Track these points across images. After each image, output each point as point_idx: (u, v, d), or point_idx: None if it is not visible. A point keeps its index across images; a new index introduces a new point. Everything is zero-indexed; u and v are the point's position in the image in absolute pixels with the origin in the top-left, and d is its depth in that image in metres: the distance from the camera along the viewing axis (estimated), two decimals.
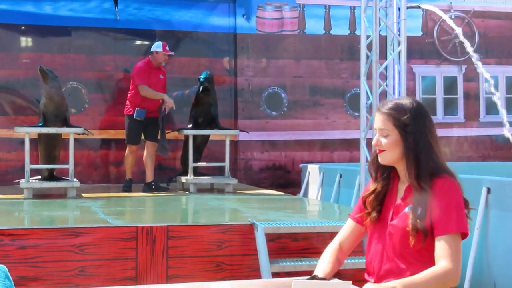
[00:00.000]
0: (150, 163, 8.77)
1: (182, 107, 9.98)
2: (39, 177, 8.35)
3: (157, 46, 8.73)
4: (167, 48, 8.75)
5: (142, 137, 8.78)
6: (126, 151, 8.86)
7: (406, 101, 2.80)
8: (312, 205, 8.03)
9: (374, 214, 2.83)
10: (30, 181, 7.93)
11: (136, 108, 8.58)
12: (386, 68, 7.00)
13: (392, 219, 2.78)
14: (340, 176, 8.77)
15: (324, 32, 10.81)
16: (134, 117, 8.59)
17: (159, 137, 8.66)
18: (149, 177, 8.78)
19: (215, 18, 10.37)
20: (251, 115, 10.42)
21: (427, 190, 2.68)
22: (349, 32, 10.89)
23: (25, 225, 5.87)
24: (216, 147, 9.61)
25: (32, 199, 7.68)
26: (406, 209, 2.74)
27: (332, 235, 5.24)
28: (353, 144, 10.35)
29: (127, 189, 8.71)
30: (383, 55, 7.04)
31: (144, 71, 8.63)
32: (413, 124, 2.73)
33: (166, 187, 8.78)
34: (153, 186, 8.70)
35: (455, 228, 2.63)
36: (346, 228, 2.99)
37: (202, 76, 9.02)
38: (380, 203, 2.83)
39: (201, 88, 9.02)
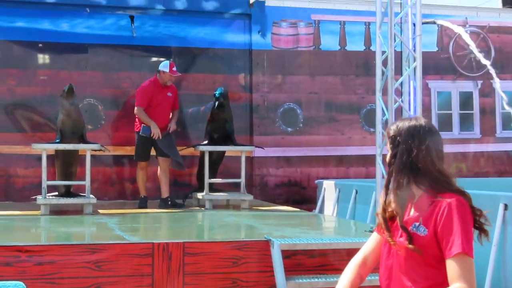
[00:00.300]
0: (164, 179, 8.80)
1: (198, 123, 10.02)
2: (56, 193, 8.40)
3: (164, 66, 8.79)
4: (174, 69, 8.80)
5: (153, 153, 8.82)
6: (137, 168, 8.93)
7: (401, 122, 2.83)
8: (328, 222, 8.01)
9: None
10: (47, 197, 7.97)
11: (142, 125, 8.67)
12: (401, 84, 6.99)
13: (400, 236, 2.77)
14: (356, 192, 8.75)
15: (339, 48, 10.83)
16: (140, 133, 8.69)
17: (171, 151, 8.70)
18: (165, 192, 8.80)
19: (231, 34, 10.42)
20: (267, 131, 10.43)
21: (423, 208, 2.69)
22: (364, 48, 10.90)
23: (42, 242, 5.90)
24: (231, 163, 9.62)
25: (49, 215, 7.72)
26: (412, 227, 2.73)
27: (348, 251, 5.26)
28: (369, 160, 10.32)
29: (143, 206, 8.74)
30: (399, 71, 7.02)
31: (146, 93, 8.70)
32: (402, 143, 2.75)
33: (182, 203, 8.79)
34: (169, 202, 8.72)
35: (462, 249, 2.60)
36: (371, 242, 2.96)
37: (217, 92, 9.06)
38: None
39: (216, 104, 9.05)
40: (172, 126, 8.80)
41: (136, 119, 8.83)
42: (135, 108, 8.73)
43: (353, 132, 10.79)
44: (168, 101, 8.87)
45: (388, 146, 2.83)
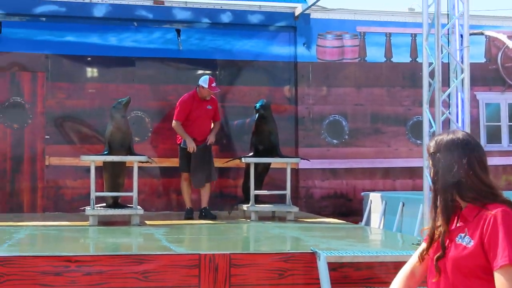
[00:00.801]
0: (204, 190, 8.89)
1: (243, 135, 10.07)
2: (104, 204, 8.52)
3: (204, 81, 8.87)
4: (213, 84, 8.87)
5: None
6: (181, 180, 9.02)
7: (439, 138, 2.80)
8: (375, 234, 7.95)
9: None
10: (96, 208, 8.09)
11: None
12: (449, 95, 6.92)
13: (447, 246, 2.74)
14: (403, 205, 8.66)
15: (385, 59, 10.77)
16: (181, 146, 8.83)
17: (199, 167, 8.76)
18: (203, 203, 8.88)
19: (276, 47, 10.46)
20: (312, 143, 10.41)
21: (468, 219, 2.66)
22: (411, 59, 10.82)
23: (91, 252, 5.99)
24: (277, 175, 9.63)
25: (97, 226, 7.83)
26: (457, 238, 2.70)
27: (396, 264, 5.20)
28: (415, 172, 10.21)
29: (189, 217, 8.81)
30: (446, 83, 6.95)
31: (184, 107, 8.83)
32: (442, 160, 2.73)
33: (214, 215, 8.81)
34: (203, 213, 8.78)
35: (510, 260, 2.56)
36: (419, 252, 2.94)
37: (257, 104, 9.11)
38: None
39: (256, 115, 9.10)
40: (211, 139, 8.84)
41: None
42: (173, 121, 8.87)
43: (400, 144, 10.69)
44: (208, 114, 8.95)
45: (430, 163, 2.81)
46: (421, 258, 2.82)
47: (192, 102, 8.87)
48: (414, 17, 10.72)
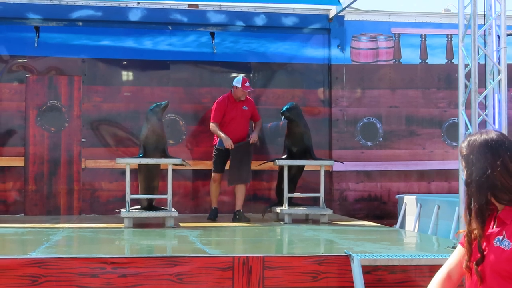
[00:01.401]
0: (239, 193, 8.93)
1: (277, 138, 10.07)
2: (139, 206, 8.59)
3: (237, 82, 8.96)
4: (246, 84, 8.94)
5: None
6: (211, 180, 9.06)
7: (472, 138, 2.74)
8: (409, 237, 7.88)
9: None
10: (131, 210, 8.17)
11: (219, 139, 8.85)
12: (485, 97, 6.83)
13: (484, 250, 2.69)
14: (438, 208, 8.58)
15: (420, 61, 10.68)
16: (217, 146, 8.88)
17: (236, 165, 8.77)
18: (237, 206, 8.91)
19: (310, 49, 10.44)
20: (346, 145, 10.37)
21: (506, 222, 2.61)
22: (446, 61, 10.72)
23: (126, 254, 6.05)
24: (310, 178, 9.61)
25: (132, 228, 7.90)
26: (495, 241, 2.65)
27: (431, 268, 5.16)
28: (451, 175, 10.12)
29: (212, 218, 8.86)
30: (482, 84, 6.86)
31: (219, 108, 8.91)
32: (476, 162, 2.66)
33: (247, 218, 8.83)
34: (237, 216, 8.80)
35: None
36: (456, 255, 2.85)
37: (284, 108, 9.11)
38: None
39: (282, 118, 9.11)
40: (253, 137, 8.89)
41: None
42: (210, 124, 8.95)
43: (435, 146, 10.59)
44: (244, 114, 8.98)
45: (463, 165, 2.75)
46: (466, 267, 2.73)
47: (227, 103, 8.93)
48: (450, 18, 10.61)
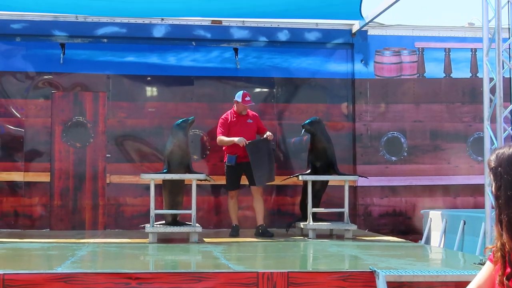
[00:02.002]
0: (258, 207, 8.92)
1: (301, 153, 10.06)
2: (163, 222, 8.62)
3: (238, 96, 9.04)
4: (246, 98, 8.99)
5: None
6: (228, 198, 9.06)
7: (500, 151, 2.71)
8: (435, 253, 7.81)
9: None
10: (155, 226, 8.20)
11: (227, 155, 8.91)
12: (510, 111, 6.78)
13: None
14: (464, 223, 8.50)
15: (445, 75, 10.63)
16: (226, 163, 8.89)
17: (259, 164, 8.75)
18: (258, 220, 8.90)
19: (333, 64, 10.45)
20: (370, 160, 10.33)
21: None
22: (471, 75, 10.66)
23: (151, 269, 6.07)
24: (335, 193, 9.59)
25: (157, 243, 7.92)
26: None
27: (457, 284, 5.11)
28: (477, 190, 10.03)
29: (234, 234, 8.85)
30: (507, 98, 6.82)
31: (223, 123, 8.99)
32: (504, 174, 2.63)
33: (271, 233, 8.81)
34: (260, 231, 8.79)
35: None
36: (484, 272, 2.82)
37: (306, 121, 9.11)
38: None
39: (303, 131, 9.11)
40: (269, 134, 8.81)
41: (223, 150, 9.02)
42: (217, 138, 9.01)
43: (460, 161, 10.51)
44: (250, 128, 9.01)
45: (492, 178, 2.72)
46: (500, 283, 2.68)
47: (231, 118, 9.01)
48: (474, 31, 10.56)
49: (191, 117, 8.83)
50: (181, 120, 8.75)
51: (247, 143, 8.67)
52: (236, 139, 8.73)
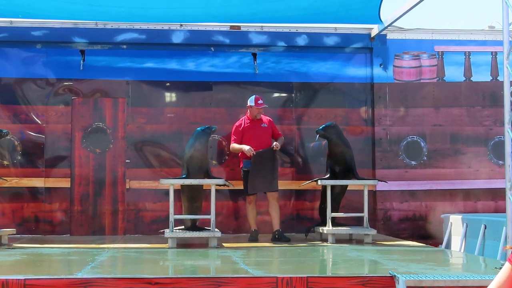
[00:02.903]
0: (274, 213, 8.92)
1: (320, 157, 10.04)
2: (183, 227, 8.64)
3: (251, 101, 9.05)
4: (259, 102, 9.01)
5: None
6: (246, 203, 9.06)
7: None
8: (455, 258, 7.75)
9: None
10: (174, 231, 8.22)
11: (243, 160, 8.91)
12: None
13: None
14: (485, 228, 8.43)
15: (465, 79, 10.57)
16: (243, 168, 8.92)
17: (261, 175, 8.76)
18: (275, 225, 8.90)
19: (352, 68, 10.43)
20: (390, 164, 10.29)
21: None
22: (491, 78, 10.58)
23: (170, 274, 6.08)
24: (354, 197, 9.56)
25: (176, 249, 7.94)
26: None
27: None
28: (498, 194, 9.95)
29: (253, 239, 8.84)
30: None
31: (237, 130, 9.04)
32: None
33: (287, 238, 8.80)
34: (276, 236, 8.78)
35: None
36: (503, 273, 2.80)
37: (320, 127, 9.09)
38: None
39: (317, 137, 9.13)
40: (276, 144, 8.86)
41: (239, 156, 9.03)
42: (230, 146, 9.08)
43: (481, 165, 10.43)
44: (265, 132, 9.01)
45: None
46: None
47: (245, 123, 9.03)
48: (494, 35, 10.49)
49: (214, 126, 8.91)
50: (205, 126, 8.80)
51: (254, 153, 8.68)
52: (245, 148, 8.74)
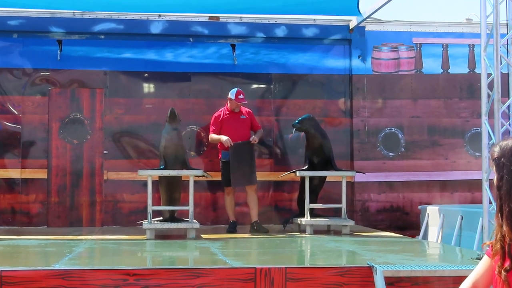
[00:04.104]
0: (252, 204, 8.95)
1: (298, 149, 10.06)
2: (161, 218, 8.61)
3: (232, 94, 9.06)
4: (239, 96, 9.02)
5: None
6: (224, 194, 9.07)
7: (504, 142, 2.72)
8: (432, 248, 7.82)
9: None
10: (152, 222, 8.19)
11: (222, 151, 8.95)
12: (508, 107, 6.79)
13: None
14: (462, 219, 8.50)
15: (442, 71, 10.63)
16: (221, 159, 8.95)
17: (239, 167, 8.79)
18: (253, 217, 8.93)
19: (331, 60, 10.44)
20: (368, 156, 10.33)
21: None
22: (469, 70, 10.65)
23: (149, 266, 6.06)
24: (332, 188, 9.59)
25: (154, 240, 7.92)
26: None
27: (454, 279, 5.11)
28: (474, 185, 10.02)
29: (232, 231, 8.85)
30: (505, 94, 6.82)
31: (215, 121, 9.07)
32: (507, 164, 2.65)
33: (266, 229, 8.83)
34: (255, 227, 8.80)
35: None
36: (481, 266, 2.82)
37: (295, 122, 9.10)
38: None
39: (293, 131, 9.11)
40: (254, 138, 8.89)
41: (218, 147, 9.04)
42: (209, 136, 9.11)
43: (458, 157, 10.51)
44: (243, 124, 9.03)
45: (494, 169, 2.74)
46: (499, 273, 2.67)
47: (224, 115, 9.05)
48: (472, 27, 10.56)
49: (170, 108, 8.75)
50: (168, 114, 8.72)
51: (231, 144, 8.68)
52: (223, 138, 8.73)
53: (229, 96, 9.05)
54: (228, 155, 8.79)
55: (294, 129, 9.22)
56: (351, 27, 10.38)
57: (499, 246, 2.68)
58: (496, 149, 2.72)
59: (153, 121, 9.98)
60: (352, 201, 10.13)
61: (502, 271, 2.62)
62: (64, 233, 8.74)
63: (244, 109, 9.18)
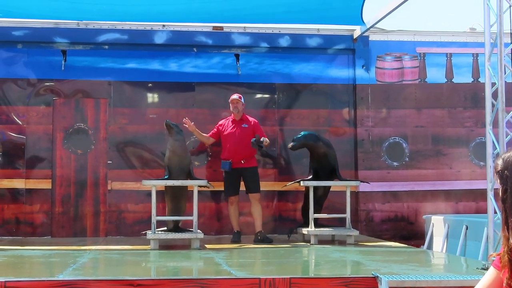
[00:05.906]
0: (256, 214, 8.96)
1: (302, 158, 10.04)
2: (165, 228, 8.60)
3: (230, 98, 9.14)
4: (233, 96, 9.09)
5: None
6: (228, 204, 9.08)
7: (507, 154, 2.70)
8: (437, 258, 7.79)
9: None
10: (157, 232, 8.18)
11: (222, 161, 8.98)
12: None
13: None
14: (467, 228, 8.47)
15: (446, 80, 10.63)
16: (221, 169, 8.96)
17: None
18: (257, 227, 8.92)
19: (334, 69, 10.45)
20: (372, 165, 10.32)
21: None
22: (473, 80, 10.65)
23: (153, 276, 6.05)
24: (336, 198, 9.56)
25: (159, 250, 7.91)
26: None
27: None
28: (479, 195, 10.00)
29: (236, 241, 8.84)
30: (510, 103, 6.81)
31: (217, 125, 9.24)
32: (507, 175, 2.63)
33: (270, 239, 8.81)
34: (259, 237, 8.79)
35: None
36: (488, 277, 2.78)
37: (291, 143, 9.08)
38: None
39: (291, 146, 9.07)
40: (266, 140, 8.84)
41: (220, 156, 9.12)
42: None
43: (462, 166, 10.49)
44: (244, 132, 9.00)
45: (498, 181, 2.71)
46: (508, 286, 2.65)
47: (226, 122, 9.15)
48: (475, 36, 10.56)
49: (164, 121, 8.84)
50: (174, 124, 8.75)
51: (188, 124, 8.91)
52: (195, 133, 9.07)
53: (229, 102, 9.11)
54: (227, 165, 8.87)
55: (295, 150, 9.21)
56: (354, 37, 10.39)
57: (507, 258, 2.66)
58: (499, 162, 2.70)
59: (157, 131, 9.98)
60: (357, 210, 10.11)
61: (511, 284, 2.60)
62: (68, 243, 8.74)
63: (250, 119, 9.17)
